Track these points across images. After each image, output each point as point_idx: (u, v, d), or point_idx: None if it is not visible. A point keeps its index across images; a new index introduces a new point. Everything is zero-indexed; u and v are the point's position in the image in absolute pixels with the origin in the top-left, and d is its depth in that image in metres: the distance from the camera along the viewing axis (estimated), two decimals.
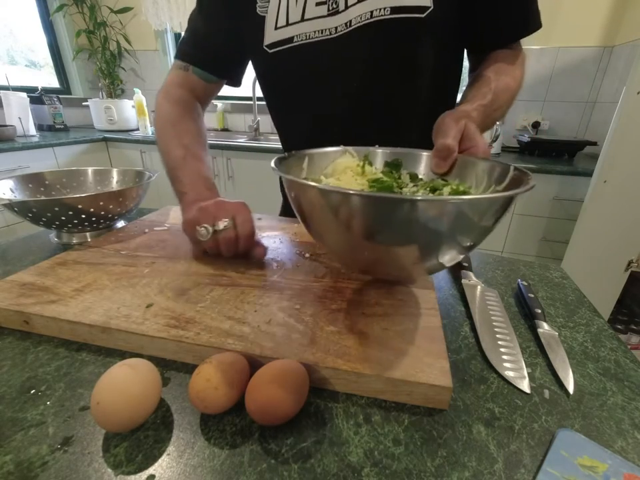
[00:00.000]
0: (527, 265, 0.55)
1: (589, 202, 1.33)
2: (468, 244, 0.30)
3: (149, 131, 2.16)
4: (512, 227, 1.62)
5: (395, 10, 0.48)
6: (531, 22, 0.52)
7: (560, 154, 1.72)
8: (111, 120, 2.22)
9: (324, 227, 0.32)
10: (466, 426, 0.27)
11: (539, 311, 0.39)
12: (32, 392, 0.28)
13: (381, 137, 0.56)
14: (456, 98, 0.62)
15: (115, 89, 2.49)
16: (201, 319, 0.34)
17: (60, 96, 2.21)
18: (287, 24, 0.52)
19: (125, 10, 2.29)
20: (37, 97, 2.04)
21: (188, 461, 0.23)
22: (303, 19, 0.52)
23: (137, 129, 2.24)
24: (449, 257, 0.30)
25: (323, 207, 0.29)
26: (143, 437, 0.25)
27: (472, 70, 0.59)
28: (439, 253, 0.29)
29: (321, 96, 0.58)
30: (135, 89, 2.20)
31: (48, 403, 0.27)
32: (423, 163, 0.43)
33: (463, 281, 0.47)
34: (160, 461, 0.23)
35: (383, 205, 0.26)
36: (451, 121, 0.38)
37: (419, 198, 0.27)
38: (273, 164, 0.34)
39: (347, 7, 0.50)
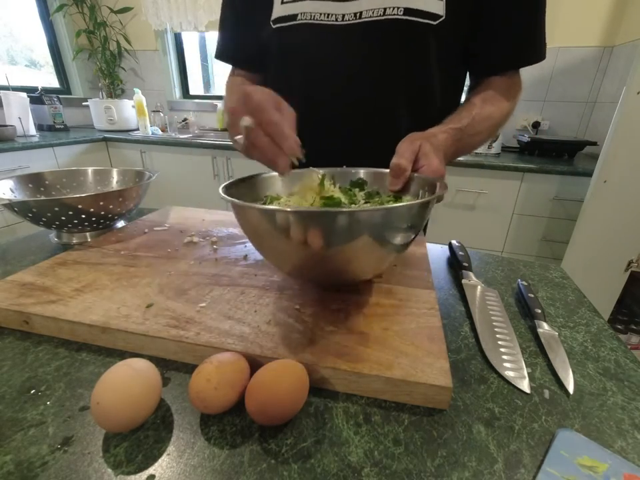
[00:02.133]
0: (527, 265, 0.55)
1: (588, 202, 1.33)
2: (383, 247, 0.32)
3: (148, 131, 2.16)
4: (512, 227, 1.62)
5: (408, 12, 0.47)
6: (532, 53, 0.52)
7: (560, 154, 1.72)
8: (111, 120, 2.22)
9: (273, 245, 0.33)
10: (466, 426, 0.27)
11: (539, 311, 0.39)
12: (32, 392, 0.28)
13: (371, 137, 0.57)
14: (458, 104, 0.62)
15: (115, 89, 2.49)
16: (200, 319, 0.34)
17: (60, 96, 2.21)
18: None
19: (125, 10, 2.29)
20: (37, 97, 2.04)
21: (188, 460, 0.23)
22: None
23: (137, 129, 2.24)
24: (376, 256, 0.33)
25: (267, 228, 0.31)
26: (142, 437, 0.25)
27: (470, 89, 0.59)
28: (365, 256, 0.32)
29: (314, 86, 0.57)
30: (135, 89, 2.20)
31: (48, 402, 0.27)
32: (385, 180, 0.45)
33: (463, 281, 0.47)
34: (160, 461, 0.23)
35: (308, 219, 0.28)
36: (407, 143, 0.41)
37: (332, 210, 0.29)
38: (220, 190, 0.35)
39: None
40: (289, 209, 0.29)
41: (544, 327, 0.37)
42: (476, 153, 1.72)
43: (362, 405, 0.28)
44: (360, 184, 0.47)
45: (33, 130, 1.94)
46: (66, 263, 0.45)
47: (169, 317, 0.34)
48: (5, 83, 1.96)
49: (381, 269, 0.41)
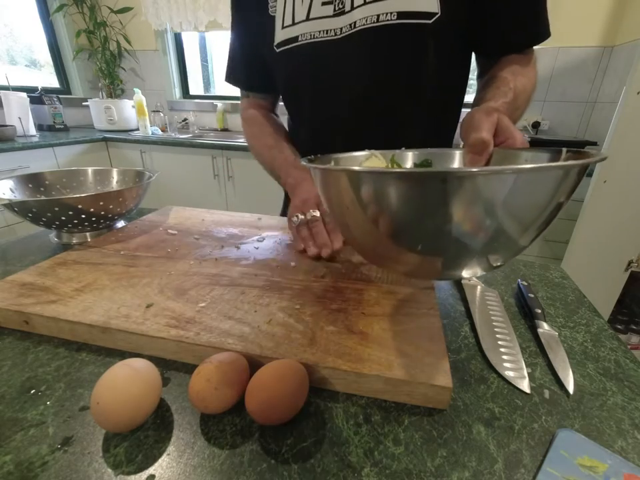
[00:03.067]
0: (527, 265, 0.55)
1: (588, 202, 1.33)
2: (526, 232, 0.25)
3: (148, 131, 2.16)
4: None
5: (401, 15, 0.47)
6: (542, 30, 0.51)
7: None
8: (111, 120, 2.22)
9: (361, 219, 0.28)
10: (466, 426, 0.27)
11: (539, 311, 0.39)
12: (32, 392, 0.28)
13: (383, 140, 0.56)
14: (462, 101, 0.63)
15: (115, 89, 2.49)
16: (200, 319, 0.34)
17: (60, 96, 2.21)
18: (293, 23, 0.53)
19: (125, 10, 2.29)
20: (37, 97, 2.04)
21: (188, 461, 0.23)
22: (308, 18, 0.52)
23: (137, 129, 2.24)
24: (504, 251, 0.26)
25: (365, 193, 0.25)
26: (143, 437, 0.25)
27: (481, 73, 0.59)
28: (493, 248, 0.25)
29: (324, 97, 0.58)
30: (135, 89, 2.20)
31: (48, 402, 0.27)
32: (456, 162, 0.40)
33: (463, 281, 0.47)
34: (160, 461, 0.23)
35: (431, 182, 0.22)
36: (483, 114, 0.35)
37: (474, 170, 0.22)
38: (302, 162, 0.32)
39: (352, 8, 0.49)
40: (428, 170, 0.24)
41: (544, 327, 0.37)
42: None
43: (362, 405, 0.28)
44: (427, 166, 0.40)
45: (33, 130, 1.94)
46: (66, 263, 0.45)
47: (168, 317, 0.34)
48: (5, 83, 1.96)
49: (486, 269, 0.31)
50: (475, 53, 0.58)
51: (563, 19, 1.71)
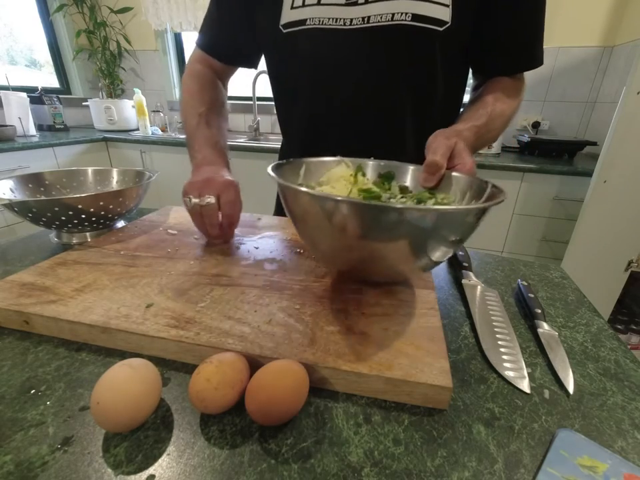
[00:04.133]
0: (527, 265, 0.55)
1: (588, 202, 1.33)
2: (437, 250, 0.32)
3: (148, 131, 2.16)
4: (512, 227, 1.62)
5: (416, 17, 0.48)
6: (535, 58, 0.55)
7: (560, 154, 1.72)
8: (111, 120, 2.22)
9: (316, 231, 0.34)
10: (466, 426, 0.27)
11: (539, 311, 0.39)
12: (32, 392, 0.28)
13: (376, 138, 0.58)
14: (458, 110, 0.64)
15: (115, 89, 2.49)
16: (201, 319, 0.34)
17: (60, 96, 2.21)
18: (303, 5, 0.53)
19: (125, 10, 2.29)
20: (37, 97, 2.04)
21: (188, 460, 0.23)
22: (319, 3, 0.52)
23: (137, 129, 2.24)
24: (425, 260, 0.33)
25: (316, 213, 0.31)
26: (143, 437, 0.25)
27: (475, 87, 0.61)
28: (417, 255, 0.32)
29: (323, 87, 0.58)
30: (135, 89, 2.20)
31: (48, 402, 0.27)
32: (410, 175, 0.46)
33: (463, 281, 0.47)
34: (160, 460, 0.23)
35: (368, 211, 0.29)
36: (442, 139, 0.41)
37: (399, 206, 0.29)
38: (270, 170, 0.36)
39: (366, 2, 0.50)
40: (352, 200, 0.30)
41: (544, 327, 0.37)
42: (476, 153, 1.72)
43: (362, 405, 0.28)
44: (390, 177, 0.46)
45: (33, 130, 1.94)
46: (66, 263, 0.45)
47: (169, 317, 0.34)
48: (5, 83, 1.96)
49: (408, 274, 0.41)
50: (472, 69, 0.61)
51: (563, 19, 1.70)
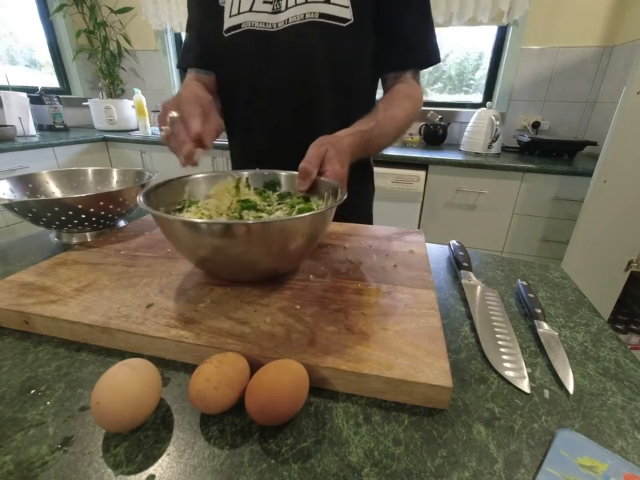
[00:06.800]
0: (527, 265, 0.55)
1: (588, 202, 1.33)
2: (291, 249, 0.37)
3: (149, 131, 2.16)
4: (512, 227, 1.62)
5: (322, 16, 0.59)
6: (425, 56, 0.64)
7: (560, 154, 1.72)
8: (111, 120, 2.22)
9: (183, 248, 0.38)
10: (466, 426, 0.27)
11: (539, 311, 0.39)
12: (32, 392, 0.28)
13: (299, 124, 0.67)
14: (374, 98, 0.73)
15: (115, 89, 2.49)
16: (201, 319, 0.34)
17: (60, 96, 2.21)
18: (238, 12, 0.63)
19: (125, 10, 2.29)
20: (37, 97, 2.04)
21: (188, 461, 0.23)
22: (250, 10, 0.63)
23: (137, 129, 2.24)
24: (292, 257, 0.39)
25: (171, 232, 0.37)
26: (143, 437, 0.25)
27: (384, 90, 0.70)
28: (280, 255, 0.38)
29: (258, 78, 0.66)
30: (134, 89, 2.20)
31: (48, 403, 0.27)
32: (296, 182, 0.49)
33: (463, 281, 0.47)
34: (160, 460, 0.23)
35: (206, 228, 0.34)
36: (315, 148, 0.46)
37: (224, 222, 0.36)
38: (140, 198, 0.38)
39: (287, 8, 0.61)
40: (200, 221, 0.35)
41: (544, 327, 0.37)
42: (476, 153, 1.72)
43: (362, 405, 0.28)
44: (272, 185, 0.52)
45: (33, 130, 1.94)
46: (66, 263, 0.45)
47: (168, 317, 0.34)
48: (5, 83, 1.96)
49: (291, 264, 0.44)
50: (377, 69, 0.68)
51: (563, 19, 1.70)
